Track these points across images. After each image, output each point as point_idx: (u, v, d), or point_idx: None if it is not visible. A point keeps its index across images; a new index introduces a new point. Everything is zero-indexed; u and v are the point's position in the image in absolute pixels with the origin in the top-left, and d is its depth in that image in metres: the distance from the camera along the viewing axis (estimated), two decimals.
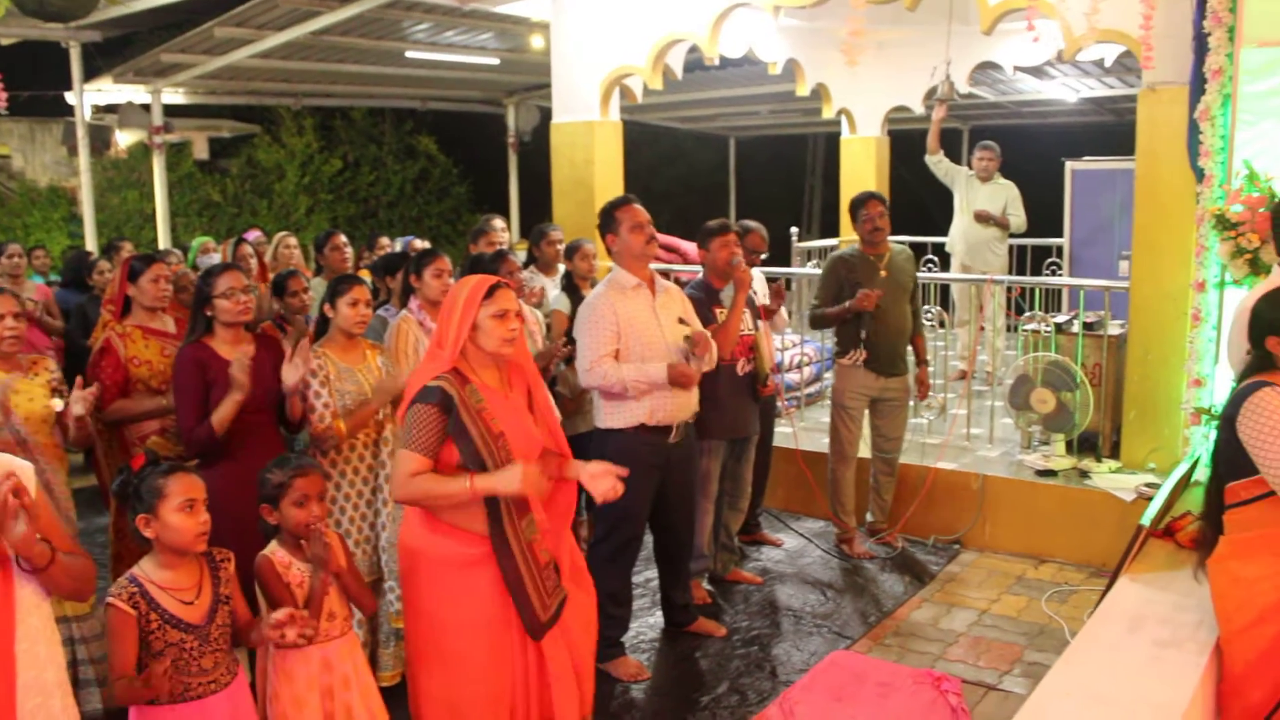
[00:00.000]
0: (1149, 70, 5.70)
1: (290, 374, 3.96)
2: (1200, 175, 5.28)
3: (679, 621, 5.01)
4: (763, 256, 6.08)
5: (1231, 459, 3.03)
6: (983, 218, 8.50)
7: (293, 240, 7.33)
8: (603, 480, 3.31)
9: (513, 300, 3.32)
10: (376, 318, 4.91)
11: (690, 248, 7.59)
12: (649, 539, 4.89)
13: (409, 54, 10.89)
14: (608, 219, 4.58)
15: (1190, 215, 5.39)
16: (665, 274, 6.89)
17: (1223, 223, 4.90)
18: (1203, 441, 5.10)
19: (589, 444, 4.63)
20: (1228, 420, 3.02)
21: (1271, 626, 2.98)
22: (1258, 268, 4.83)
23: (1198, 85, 5.27)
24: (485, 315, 3.23)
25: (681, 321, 4.59)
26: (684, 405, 4.56)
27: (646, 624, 5.10)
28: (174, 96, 11.72)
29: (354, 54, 10.97)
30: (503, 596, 3.21)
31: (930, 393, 6.31)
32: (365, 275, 6.49)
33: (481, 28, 10.26)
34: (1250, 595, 3.02)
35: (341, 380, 4.18)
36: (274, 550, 3.21)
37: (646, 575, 5.34)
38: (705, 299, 5.09)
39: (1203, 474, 4.45)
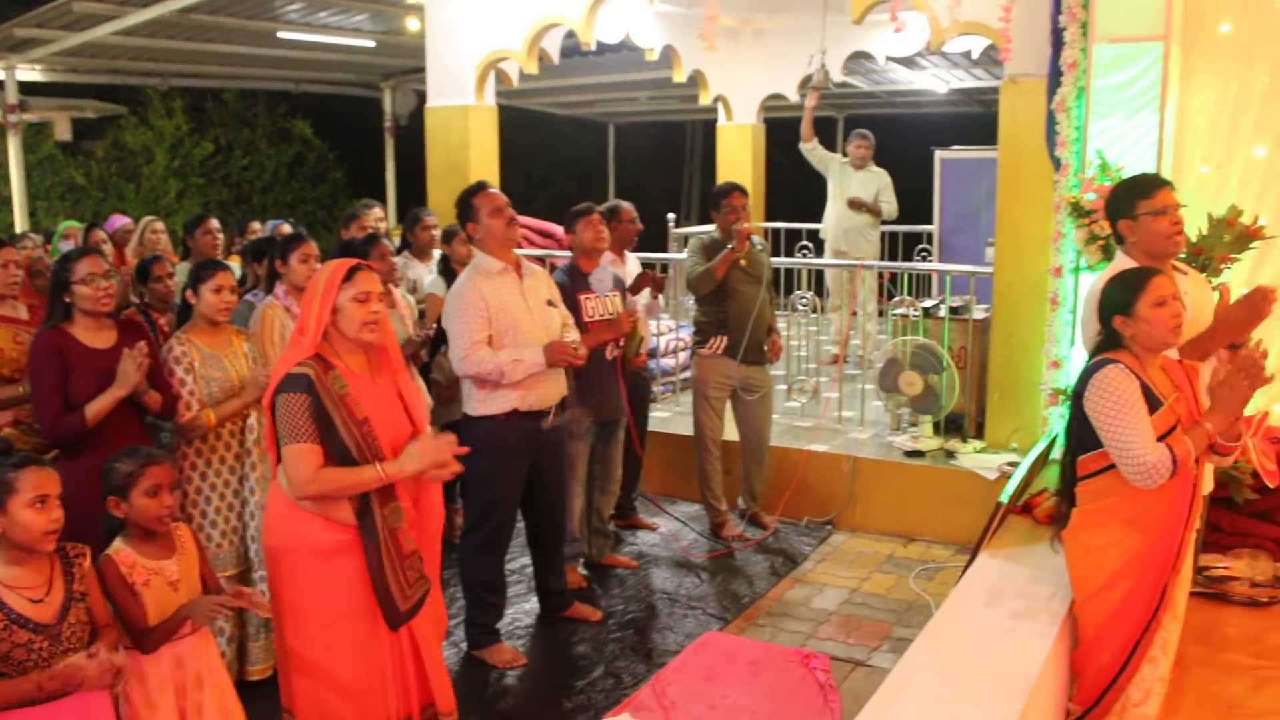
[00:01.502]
0: (1009, 63, 5.89)
1: (123, 378, 3.80)
2: (1057, 164, 5.47)
3: (554, 607, 5.01)
4: (638, 227, 6.07)
5: (1080, 434, 3.16)
6: (856, 205, 8.66)
7: (159, 225, 7.09)
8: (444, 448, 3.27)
9: (374, 283, 3.26)
10: (243, 303, 4.79)
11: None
12: (522, 525, 4.87)
13: (281, 34, 10.60)
14: (465, 207, 4.53)
15: (1049, 203, 5.58)
16: (541, 259, 6.90)
17: (1078, 210, 5.08)
18: (1060, 421, 5.29)
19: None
20: (1077, 397, 3.15)
21: (1118, 591, 3.13)
22: (1110, 254, 5.01)
23: (1055, 78, 5.46)
24: (346, 298, 3.17)
25: (550, 304, 4.58)
26: (556, 389, 4.56)
27: (522, 610, 5.09)
28: (31, 74, 11.17)
29: (223, 33, 10.62)
30: (369, 584, 3.17)
31: (803, 376, 6.41)
32: (235, 261, 6.33)
33: (356, 9, 10.05)
34: (1100, 562, 3.16)
35: (207, 367, 4.07)
36: (117, 549, 3.08)
37: (522, 561, 5.32)
38: (571, 283, 5.09)
39: (1059, 451, 4.62)
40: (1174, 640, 3.28)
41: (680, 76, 9.32)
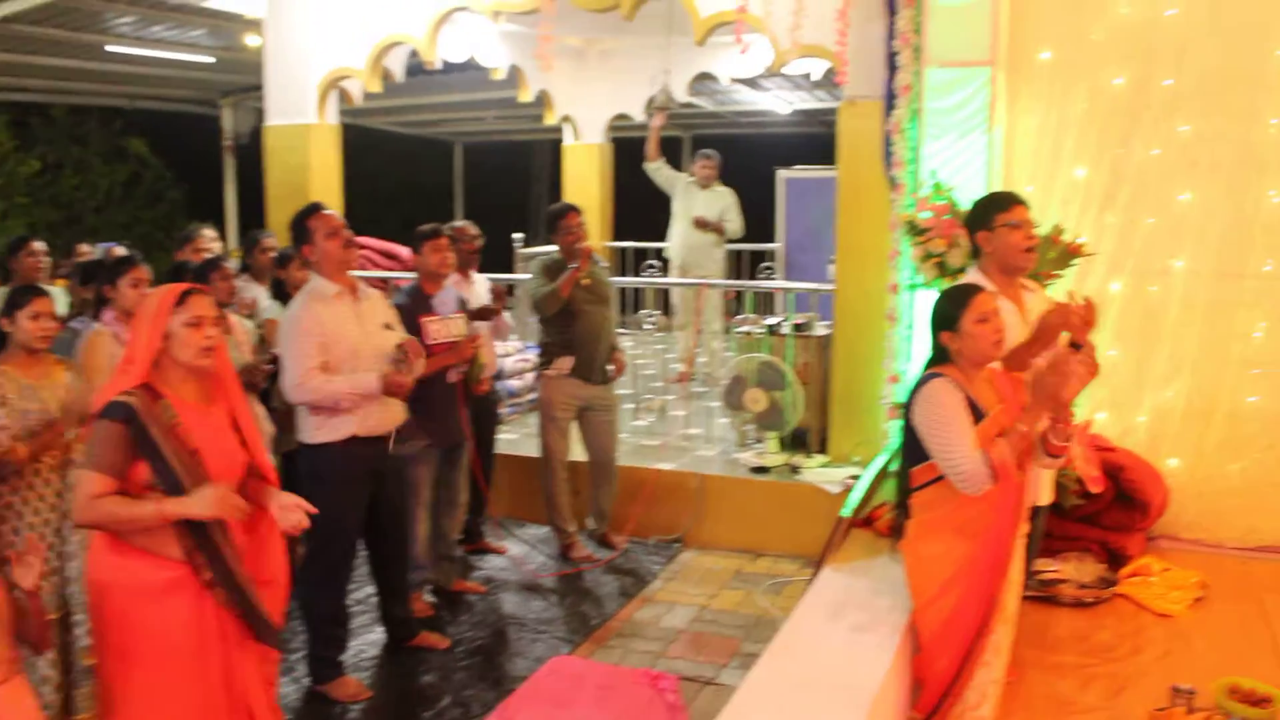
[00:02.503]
0: (846, 85, 6.03)
1: None
2: (894, 184, 5.62)
3: (400, 636, 4.87)
4: (479, 244, 5.99)
5: (912, 446, 3.25)
6: (701, 224, 8.75)
7: None
8: (291, 514, 3.20)
9: (208, 307, 3.13)
10: (68, 330, 4.56)
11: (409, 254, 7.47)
12: (365, 554, 4.74)
13: (110, 48, 10.16)
14: (300, 229, 4.40)
15: (886, 221, 5.72)
16: (384, 281, 6.76)
17: (913, 228, 5.23)
18: (899, 434, 5.42)
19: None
20: (907, 408, 3.23)
21: (951, 597, 3.22)
22: (945, 270, 5.17)
23: (890, 100, 5.61)
24: (177, 324, 3.05)
25: (388, 327, 4.47)
26: (394, 414, 4.45)
27: (367, 641, 4.93)
28: None
29: (48, 46, 10.12)
30: (200, 623, 3.03)
31: (650, 395, 6.42)
32: (61, 285, 6.01)
33: (192, 23, 9.68)
34: (934, 571, 3.25)
35: (24, 399, 3.83)
36: None
37: (366, 591, 5.17)
38: (413, 305, 5.00)
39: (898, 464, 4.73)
40: (1007, 643, 3.38)
41: (527, 96, 9.30)
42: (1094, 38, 5.42)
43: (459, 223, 5.98)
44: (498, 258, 6.55)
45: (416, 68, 7.89)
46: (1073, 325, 3.58)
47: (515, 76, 9.05)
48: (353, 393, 4.22)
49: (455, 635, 5.02)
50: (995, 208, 3.77)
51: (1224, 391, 5.40)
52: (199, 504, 2.96)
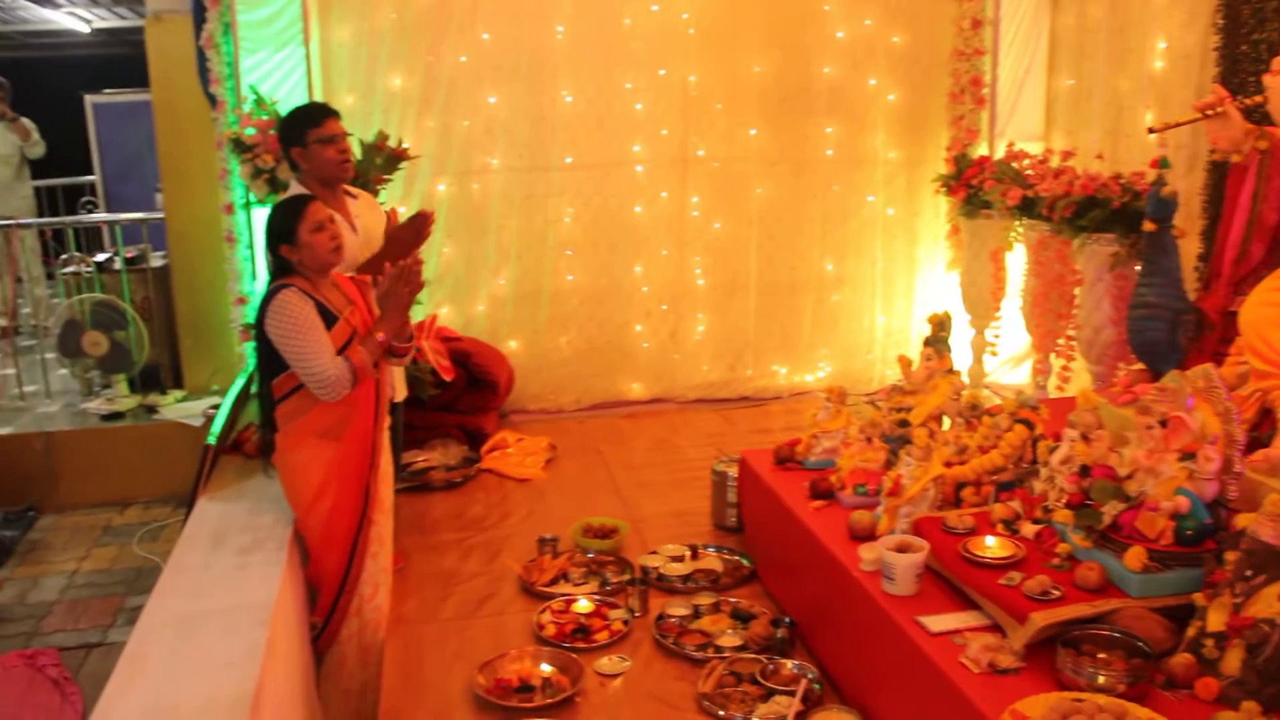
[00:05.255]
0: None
1: None
2: (214, 101, 5.42)
3: None
4: None
5: (269, 360, 3.27)
6: None
7: None
8: None
9: None
10: None
11: None
12: None
13: None
14: None
15: (211, 141, 5.52)
16: None
17: (239, 146, 5.10)
18: (254, 354, 5.36)
19: None
20: (258, 325, 3.24)
21: (328, 499, 3.33)
22: (277, 186, 5.13)
23: (200, 14, 5.36)
24: None
25: None
26: None
27: None
28: None
29: None
30: None
31: None
32: None
33: None
34: (307, 477, 3.32)
35: None
36: None
37: None
38: None
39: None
40: (389, 533, 3.57)
41: None
42: None
43: None
44: None
45: None
46: (420, 234, 3.87)
47: None
48: None
49: None
50: (306, 122, 3.81)
51: (546, 274, 6.02)
52: None
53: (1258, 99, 3.56)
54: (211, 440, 4.01)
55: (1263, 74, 3.60)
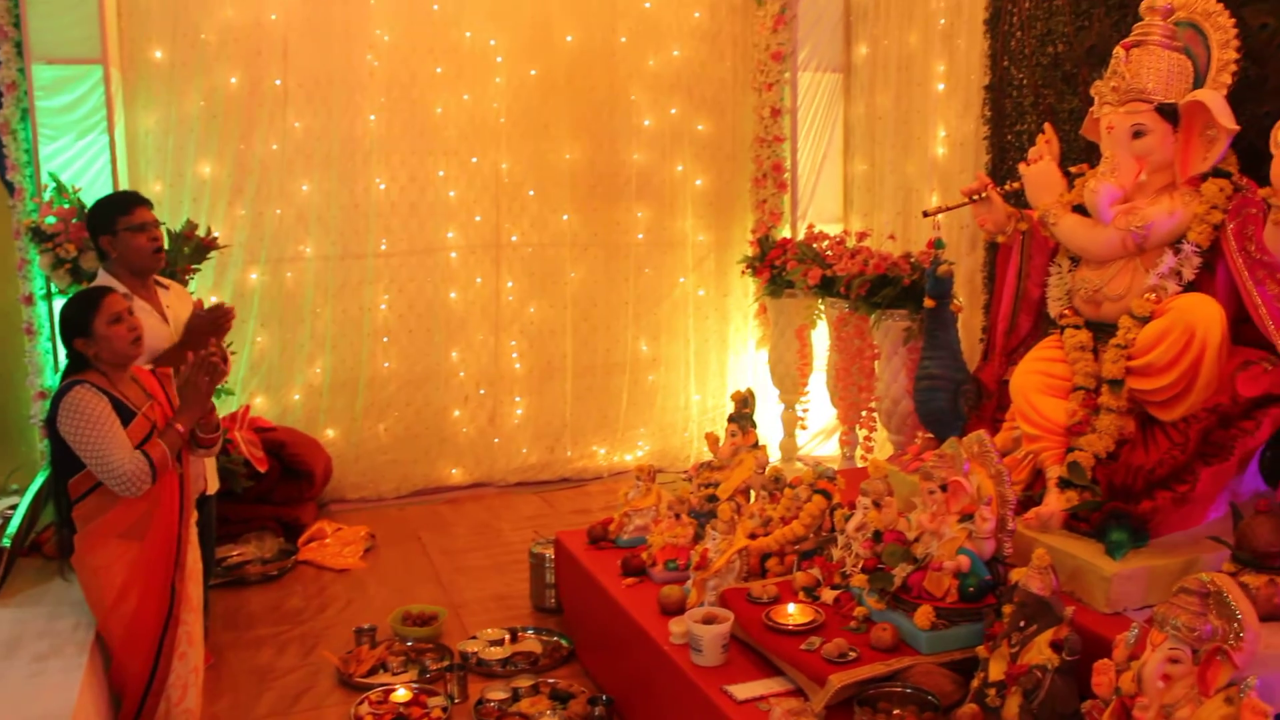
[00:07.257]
0: None
1: None
2: (11, 189, 5.27)
3: None
4: None
5: (64, 458, 3.16)
6: None
7: None
8: None
9: None
10: None
11: None
12: None
13: None
14: None
15: (9, 230, 5.35)
16: None
17: (39, 235, 4.96)
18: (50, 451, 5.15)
19: None
20: (51, 423, 3.14)
21: (131, 600, 3.20)
22: (81, 276, 4.99)
23: None
24: None
25: None
26: None
27: None
28: None
29: None
30: None
31: None
32: None
33: None
34: (108, 579, 3.19)
35: None
36: None
37: None
38: None
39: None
40: (199, 631, 3.46)
41: None
42: (204, 38, 5.59)
43: None
44: None
45: None
46: (218, 326, 3.81)
47: None
48: None
49: None
50: (116, 210, 3.75)
51: (363, 361, 6.01)
52: None
53: (1016, 185, 3.90)
54: (6, 542, 3.84)
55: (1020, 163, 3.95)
